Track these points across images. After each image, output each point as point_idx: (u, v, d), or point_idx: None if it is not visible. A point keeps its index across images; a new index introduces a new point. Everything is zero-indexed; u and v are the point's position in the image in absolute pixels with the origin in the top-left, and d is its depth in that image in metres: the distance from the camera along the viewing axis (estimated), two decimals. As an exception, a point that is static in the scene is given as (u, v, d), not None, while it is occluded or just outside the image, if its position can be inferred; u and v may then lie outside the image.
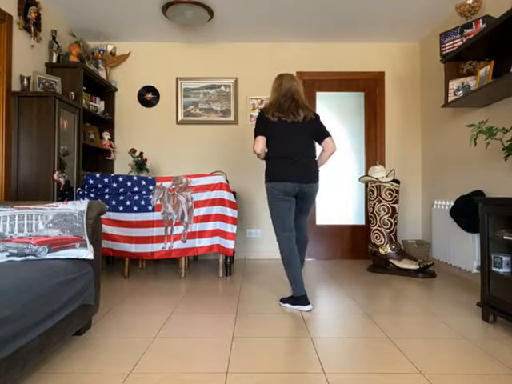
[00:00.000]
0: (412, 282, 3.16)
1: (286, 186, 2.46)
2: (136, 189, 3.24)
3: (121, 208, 3.22)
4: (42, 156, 3.02)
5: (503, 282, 2.09)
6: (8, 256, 1.72)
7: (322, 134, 2.57)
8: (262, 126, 2.53)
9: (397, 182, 3.53)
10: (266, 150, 2.58)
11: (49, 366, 1.62)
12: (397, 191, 3.52)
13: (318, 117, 2.61)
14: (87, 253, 1.87)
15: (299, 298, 2.43)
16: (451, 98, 3.03)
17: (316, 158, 2.61)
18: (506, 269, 2.10)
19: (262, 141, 2.51)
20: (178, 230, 3.23)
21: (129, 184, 3.24)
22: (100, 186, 3.21)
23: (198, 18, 3.52)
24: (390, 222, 3.51)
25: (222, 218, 3.23)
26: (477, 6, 2.92)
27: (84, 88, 3.67)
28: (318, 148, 2.60)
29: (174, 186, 3.22)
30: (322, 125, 2.60)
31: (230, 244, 3.21)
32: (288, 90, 2.55)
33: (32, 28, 3.21)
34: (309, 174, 2.50)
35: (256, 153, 2.55)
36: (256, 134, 2.53)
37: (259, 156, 2.59)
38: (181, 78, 4.30)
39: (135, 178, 3.25)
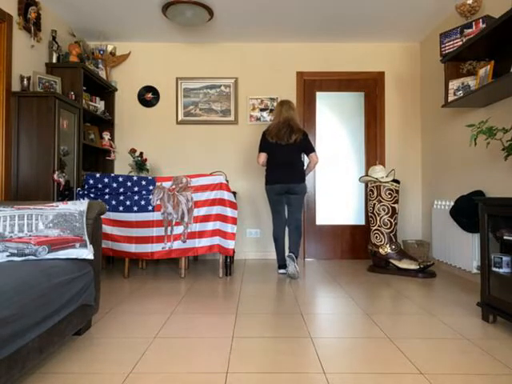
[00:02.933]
0: (412, 282, 3.16)
1: (277, 187, 3.36)
2: (136, 189, 3.24)
3: (121, 208, 3.22)
4: (42, 156, 3.02)
5: (503, 281, 2.09)
6: (8, 256, 1.72)
7: (308, 149, 3.44)
8: (264, 144, 3.44)
9: (397, 181, 3.53)
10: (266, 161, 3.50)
11: (49, 366, 1.61)
12: (397, 191, 3.52)
13: (306, 136, 3.43)
14: (87, 253, 1.87)
15: (280, 265, 3.48)
16: (451, 97, 3.03)
17: (303, 166, 3.46)
18: (506, 269, 2.10)
19: (263, 156, 3.46)
20: (178, 229, 3.23)
21: (129, 184, 3.24)
22: (100, 185, 3.21)
23: (198, 18, 3.52)
24: (390, 222, 3.51)
25: (222, 218, 3.23)
26: (477, 6, 2.92)
27: (84, 88, 3.67)
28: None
29: (174, 186, 3.22)
30: (308, 142, 3.44)
31: (230, 244, 3.20)
32: (286, 119, 3.38)
33: (32, 28, 3.21)
34: (295, 177, 3.35)
35: (259, 164, 3.49)
36: (260, 151, 3.47)
37: (262, 165, 3.51)
38: (181, 78, 4.30)
39: (135, 178, 3.25)
